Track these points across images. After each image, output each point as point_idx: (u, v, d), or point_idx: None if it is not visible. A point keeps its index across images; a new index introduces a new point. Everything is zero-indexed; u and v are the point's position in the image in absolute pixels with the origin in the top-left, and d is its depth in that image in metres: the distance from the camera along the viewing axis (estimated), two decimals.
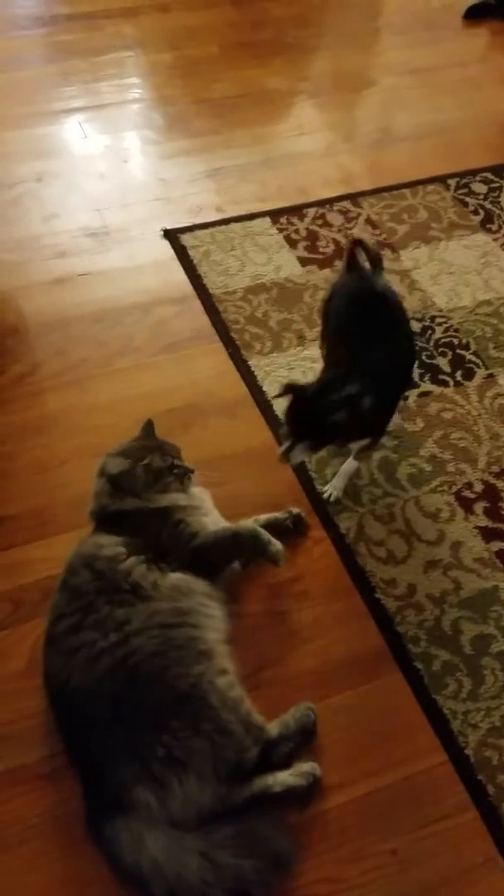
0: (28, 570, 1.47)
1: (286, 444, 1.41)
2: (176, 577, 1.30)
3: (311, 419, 1.38)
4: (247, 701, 1.20)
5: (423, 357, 1.88)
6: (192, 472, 1.47)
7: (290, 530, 1.54)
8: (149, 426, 1.51)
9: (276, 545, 1.40)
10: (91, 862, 1.12)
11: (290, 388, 1.40)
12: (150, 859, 1.07)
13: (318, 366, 1.82)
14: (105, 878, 1.11)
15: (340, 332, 1.54)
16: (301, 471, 1.66)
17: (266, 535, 1.40)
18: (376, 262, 1.58)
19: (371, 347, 1.45)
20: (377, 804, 1.25)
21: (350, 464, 1.60)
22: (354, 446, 1.55)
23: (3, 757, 1.25)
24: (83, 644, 1.19)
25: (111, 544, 1.31)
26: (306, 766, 1.22)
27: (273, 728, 1.23)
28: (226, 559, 1.41)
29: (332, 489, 1.61)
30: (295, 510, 1.56)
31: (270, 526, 1.48)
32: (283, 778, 1.19)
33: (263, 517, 1.51)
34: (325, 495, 1.61)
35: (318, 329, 1.91)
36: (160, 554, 1.32)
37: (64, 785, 1.20)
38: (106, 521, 1.38)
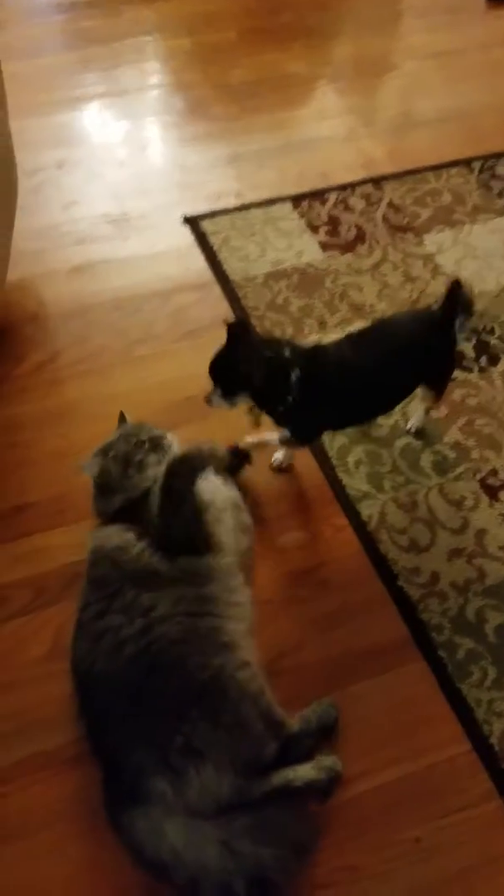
0: (49, 556, 1.48)
1: (211, 388, 1.40)
2: (184, 559, 1.27)
3: (229, 362, 1.36)
4: (268, 694, 1.19)
5: None
6: (164, 437, 1.44)
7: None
8: (120, 419, 1.51)
9: (201, 447, 1.31)
10: (113, 848, 1.12)
11: (231, 325, 1.35)
12: (170, 848, 1.07)
13: None
14: (127, 864, 1.11)
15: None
16: (322, 458, 1.64)
17: (190, 449, 1.30)
18: (467, 307, 1.52)
19: (356, 350, 1.42)
20: (400, 792, 1.24)
21: (272, 435, 1.54)
22: (280, 434, 1.51)
23: (25, 742, 1.26)
24: (108, 628, 1.18)
25: (115, 533, 1.29)
26: (328, 761, 1.20)
27: (294, 724, 1.21)
28: (182, 489, 1.28)
29: (279, 456, 1.61)
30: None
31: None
32: (304, 771, 1.17)
33: None
34: (275, 463, 1.61)
35: (339, 315, 1.90)
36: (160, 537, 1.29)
37: (86, 771, 1.20)
38: (109, 518, 1.37)
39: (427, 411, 1.66)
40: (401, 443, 1.66)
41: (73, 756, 1.24)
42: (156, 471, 1.36)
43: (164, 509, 1.28)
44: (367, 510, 1.56)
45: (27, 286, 1.97)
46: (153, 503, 1.30)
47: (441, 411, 1.72)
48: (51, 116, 2.48)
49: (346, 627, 1.42)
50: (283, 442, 1.54)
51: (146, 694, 1.14)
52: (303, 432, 1.52)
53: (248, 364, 1.34)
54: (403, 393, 1.55)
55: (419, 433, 1.68)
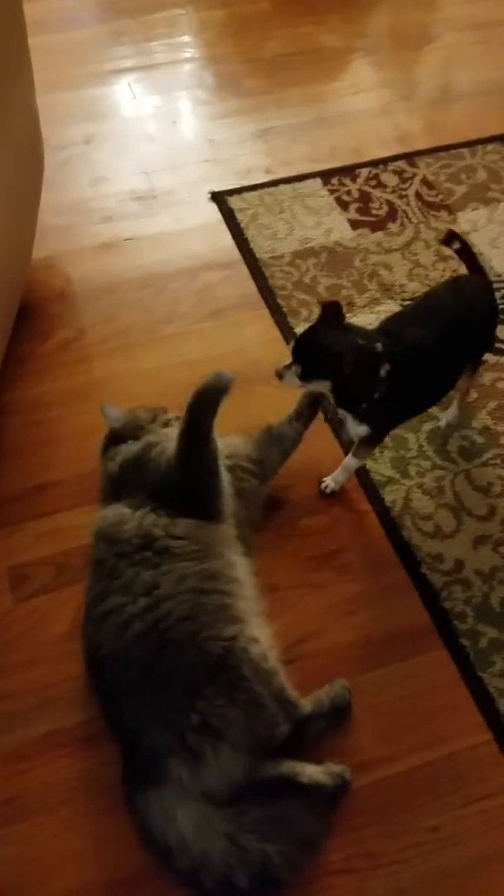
0: (72, 535, 1.48)
1: (286, 362, 1.34)
2: (189, 523, 1.25)
3: (318, 346, 1.29)
4: (281, 674, 1.17)
5: None
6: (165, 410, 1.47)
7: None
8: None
9: (220, 374, 1.26)
10: (129, 826, 1.13)
11: (327, 305, 1.29)
12: (178, 834, 1.07)
13: None
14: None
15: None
16: (347, 443, 1.62)
17: (209, 378, 1.26)
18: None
19: (421, 331, 1.36)
20: (419, 781, 1.22)
21: (351, 460, 1.50)
22: (353, 432, 1.43)
23: (44, 719, 1.27)
24: (112, 609, 1.18)
25: (112, 510, 1.29)
26: (337, 768, 1.18)
27: (306, 705, 1.20)
28: (203, 432, 1.27)
29: (331, 482, 1.53)
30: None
31: None
32: (312, 772, 1.16)
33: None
34: (323, 486, 1.54)
35: (368, 295, 1.86)
36: (166, 500, 1.27)
37: (104, 749, 1.21)
38: (114, 487, 1.36)
39: (462, 402, 1.61)
40: (427, 427, 1.63)
41: (92, 734, 1.24)
42: (164, 433, 1.38)
43: (183, 455, 1.26)
44: (392, 495, 1.54)
45: (54, 263, 1.97)
46: (151, 465, 1.29)
47: (470, 394, 1.68)
48: (80, 90, 2.46)
49: (368, 613, 1.40)
50: (360, 450, 1.47)
51: (157, 672, 1.13)
52: (383, 429, 1.45)
53: (339, 350, 1.27)
54: (462, 367, 1.50)
55: (449, 427, 1.63)
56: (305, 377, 1.34)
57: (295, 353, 1.33)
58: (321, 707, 1.22)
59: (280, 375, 1.36)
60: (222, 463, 1.32)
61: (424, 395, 1.47)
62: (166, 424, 1.45)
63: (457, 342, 1.41)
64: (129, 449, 1.37)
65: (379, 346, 1.31)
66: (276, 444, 1.48)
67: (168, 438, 1.34)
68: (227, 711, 1.11)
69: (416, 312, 1.43)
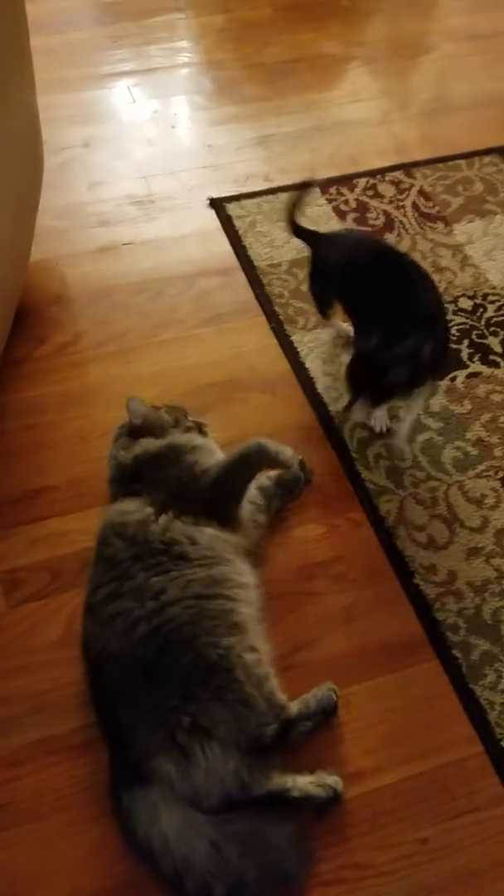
0: (66, 540, 1.48)
1: (348, 401, 1.43)
2: (210, 533, 1.30)
3: (372, 373, 1.39)
4: (272, 681, 1.19)
5: (474, 336, 1.82)
6: (205, 424, 1.52)
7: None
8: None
9: (286, 450, 1.40)
10: (120, 834, 1.13)
11: (355, 346, 1.42)
12: (162, 836, 1.08)
13: None
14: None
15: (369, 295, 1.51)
16: (342, 450, 1.63)
17: (272, 444, 1.38)
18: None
19: (412, 295, 1.45)
20: (409, 792, 1.23)
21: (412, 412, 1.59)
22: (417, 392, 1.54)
23: (36, 726, 1.26)
24: (121, 612, 1.19)
25: (137, 508, 1.30)
26: (329, 779, 1.18)
27: (293, 707, 1.21)
28: (242, 482, 1.38)
29: (380, 422, 1.62)
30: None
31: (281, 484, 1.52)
32: (303, 784, 1.16)
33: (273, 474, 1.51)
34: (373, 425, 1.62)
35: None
36: (183, 505, 1.31)
37: (97, 756, 1.20)
38: (126, 478, 1.38)
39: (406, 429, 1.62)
40: (422, 438, 1.64)
41: (84, 742, 1.24)
42: (188, 437, 1.44)
43: (219, 491, 1.34)
44: (386, 505, 1.55)
45: (51, 266, 1.96)
46: (192, 469, 1.36)
47: (464, 406, 1.69)
48: (78, 93, 2.46)
49: (361, 624, 1.40)
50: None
51: (156, 674, 1.14)
52: (443, 363, 1.55)
53: (396, 366, 1.39)
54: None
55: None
56: (377, 402, 1.50)
57: (356, 389, 1.47)
58: (308, 708, 1.23)
59: (348, 416, 1.55)
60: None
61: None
62: (188, 430, 1.47)
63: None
64: (151, 443, 1.39)
65: (413, 341, 1.39)
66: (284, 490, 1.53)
67: (200, 448, 1.40)
68: (217, 711, 1.12)
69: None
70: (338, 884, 1.15)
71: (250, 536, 1.41)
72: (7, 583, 1.42)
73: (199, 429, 1.51)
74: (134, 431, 1.46)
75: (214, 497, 1.34)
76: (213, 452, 1.43)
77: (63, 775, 1.22)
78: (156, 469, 1.36)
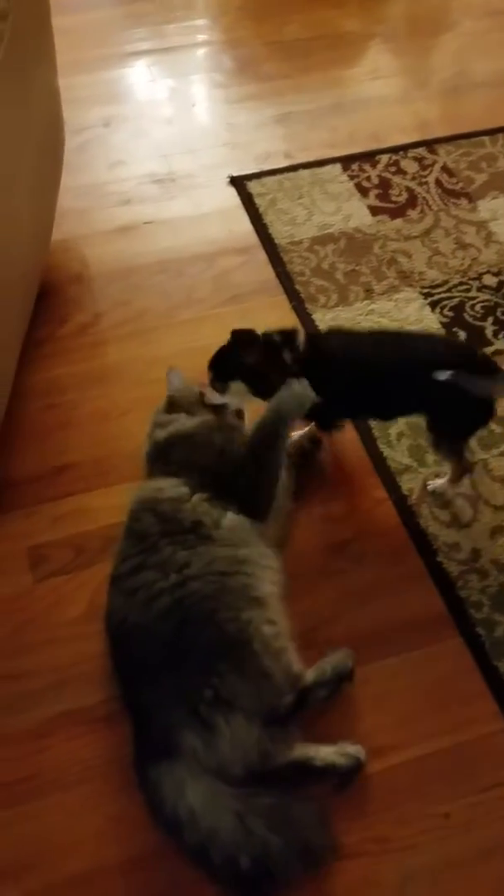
0: (89, 517, 1.49)
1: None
2: (233, 518, 1.29)
3: (226, 352, 1.38)
4: (290, 654, 1.19)
5: (499, 313, 1.80)
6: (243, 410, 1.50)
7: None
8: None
9: (302, 400, 1.34)
10: (145, 805, 1.14)
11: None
12: (188, 808, 1.09)
13: (385, 321, 1.77)
14: None
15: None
16: (364, 430, 1.62)
17: (286, 402, 1.34)
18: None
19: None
20: (432, 767, 1.23)
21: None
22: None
23: (62, 698, 1.28)
24: (144, 584, 1.20)
25: (172, 486, 1.31)
26: (352, 749, 1.19)
27: (309, 675, 1.21)
28: (271, 454, 1.34)
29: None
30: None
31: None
32: (326, 753, 1.17)
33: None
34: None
35: (387, 282, 1.85)
36: (218, 488, 1.31)
37: (121, 729, 1.21)
38: (160, 457, 1.38)
39: (452, 479, 1.50)
40: None
41: (108, 714, 1.25)
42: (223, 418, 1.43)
43: (252, 465, 1.32)
44: (408, 484, 1.54)
45: (71, 246, 1.96)
46: (206, 452, 1.34)
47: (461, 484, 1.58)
48: (98, 73, 2.45)
49: (383, 601, 1.40)
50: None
51: (176, 648, 1.15)
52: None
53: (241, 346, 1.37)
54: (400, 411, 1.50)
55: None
56: (219, 380, 1.41)
57: (215, 372, 1.42)
58: (324, 675, 1.23)
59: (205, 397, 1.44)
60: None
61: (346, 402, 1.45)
62: (218, 410, 1.46)
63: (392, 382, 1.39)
64: (183, 423, 1.40)
65: (276, 337, 1.38)
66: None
67: (229, 428, 1.40)
68: (238, 684, 1.13)
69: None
70: (360, 857, 1.15)
71: (278, 522, 1.40)
72: (32, 558, 1.44)
73: (238, 412, 1.49)
74: (172, 405, 1.47)
75: (249, 478, 1.33)
76: (243, 435, 1.42)
77: (88, 747, 1.24)
78: (187, 450, 1.36)
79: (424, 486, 1.53)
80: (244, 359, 1.36)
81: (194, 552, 1.22)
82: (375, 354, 1.40)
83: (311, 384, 1.34)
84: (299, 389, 1.33)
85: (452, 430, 1.44)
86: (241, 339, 1.36)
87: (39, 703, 1.28)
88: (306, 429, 1.55)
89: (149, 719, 1.15)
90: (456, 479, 1.50)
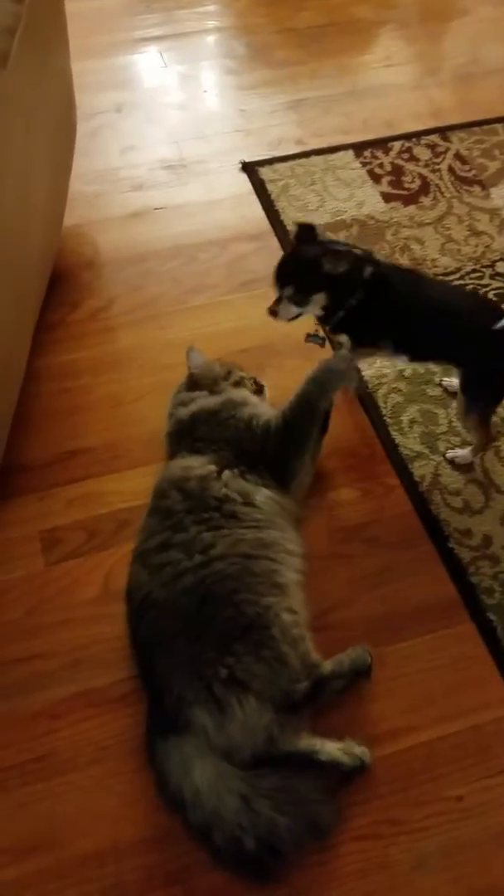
0: (102, 501, 1.49)
1: (276, 298, 1.38)
2: (267, 494, 1.30)
3: (303, 260, 1.33)
4: (308, 642, 1.20)
5: None
6: (264, 386, 1.52)
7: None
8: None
9: (341, 369, 1.36)
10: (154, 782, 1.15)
11: (302, 226, 1.35)
12: (193, 787, 1.09)
13: None
14: None
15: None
16: (375, 416, 1.62)
17: (328, 369, 1.36)
18: None
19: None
20: (444, 751, 1.23)
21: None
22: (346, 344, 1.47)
23: (75, 679, 1.29)
24: (169, 561, 1.21)
25: (200, 464, 1.31)
26: (357, 749, 1.19)
27: (327, 666, 1.22)
28: (309, 425, 1.36)
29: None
30: None
31: None
32: (331, 750, 1.17)
33: None
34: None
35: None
36: (248, 463, 1.32)
37: (135, 709, 1.23)
38: (185, 435, 1.38)
39: (476, 450, 1.52)
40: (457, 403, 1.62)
41: (123, 695, 1.26)
42: (245, 394, 1.44)
43: (294, 423, 1.33)
44: (420, 470, 1.54)
45: (83, 232, 1.96)
46: (252, 424, 1.35)
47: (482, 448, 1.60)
48: (110, 58, 2.44)
49: (394, 586, 1.40)
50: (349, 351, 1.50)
51: (195, 625, 1.16)
52: (362, 340, 1.47)
53: (324, 252, 1.33)
54: (441, 355, 1.48)
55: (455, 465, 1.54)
56: (300, 295, 1.36)
57: (281, 277, 1.37)
58: (341, 668, 1.23)
59: (274, 312, 1.39)
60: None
61: (396, 330, 1.44)
62: (238, 383, 1.48)
63: (441, 326, 1.39)
64: (207, 401, 1.40)
65: (358, 250, 1.37)
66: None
67: (253, 403, 1.41)
68: (254, 666, 1.13)
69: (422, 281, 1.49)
70: (373, 839, 1.16)
71: (298, 497, 1.41)
72: (46, 541, 1.44)
73: (258, 388, 1.51)
74: (192, 383, 1.47)
75: (280, 448, 1.33)
76: (268, 409, 1.42)
77: (102, 727, 1.24)
78: (213, 426, 1.37)
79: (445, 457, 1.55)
80: (334, 269, 1.32)
81: (219, 533, 1.23)
82: (435, 292, 1.44)
83: (370, 307, 1.36)
84: (343, 363, 1.33)
85: (488, 390, 1.43)
86: (329, 248, 1.34)
87: (53, 683, 1.28)
88: None
89: (161, 693, 1.16)
90: (480, 448, 1.51)
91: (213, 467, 1.31)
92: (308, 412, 1.36)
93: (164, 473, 1.34)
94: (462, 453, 1.53)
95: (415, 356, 1.49)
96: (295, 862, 1.11)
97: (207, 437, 1.36)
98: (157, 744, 1.14)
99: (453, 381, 1.60)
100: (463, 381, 1.44)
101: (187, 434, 1.39)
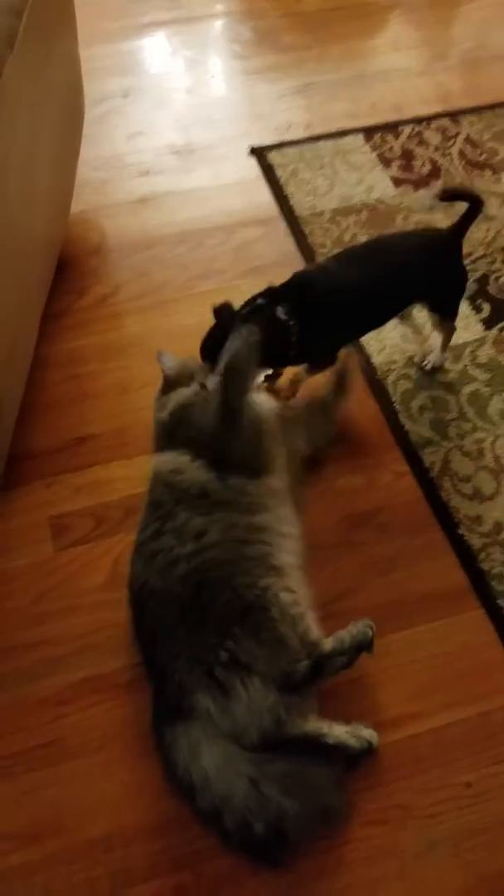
0: (110, 488, 1.49)
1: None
2: (241, 480, 1.28)
3: (221, 342, 1.32)
4: (307, 620, 1.18)
5: None
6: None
7: None
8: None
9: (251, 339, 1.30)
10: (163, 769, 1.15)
11: (217, 309, 1.39)
12: (202, 772, 1.09)
13: None
14: None
15: None
16: (385, 402, 1.60)
17: (239, 351, 1.28)
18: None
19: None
20: (453, 737, 1.23)
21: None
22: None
23: (83, 665, 1.29)
24: (162, 549, 1.20)
25: (174, 457, 1.30)
26: (365, 732, 1.18)
27: (328, 643, 1.20)
28: (242, 406, 1.29)
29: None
30: None
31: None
32: (339, 733, 1.16)
33: None
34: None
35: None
36: (213, 450, 1.29)
37: (142, 695, 1.22)
38: (166, 436, 1.37)
39: (444, 346, 1.62)
40: (469, 389, 1.61)
41: (130, 681, 1.26)
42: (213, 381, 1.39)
43: (223, 422, 1.27)
44: (431, 457, 1.53)
45: (90, 218, 1.95)
46: (198, 419, 1.31)
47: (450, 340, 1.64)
48: (117, 44, 2.42)
49: (404, 573, 1.40)
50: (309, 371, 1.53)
51: (193, 611, 1.15)
52: (322, 358, 1.51)
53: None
54: (396, 307, 1.55)
55: (435, 370, 1.64)
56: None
57: (206, 357, 1.41)
58: (342, 645, 1.20)
59: (203, 387, 1.39)
60: (270, 414, 1.35)
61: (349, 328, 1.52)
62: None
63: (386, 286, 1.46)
64: (181, 394, 1.38)
65: (261, 301, 1.39)
66: (325, 415, 1.51)
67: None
68: (254, 648, 1.13)
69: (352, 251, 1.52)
70: (381, 824, 1.16)
71: (293, 466, 1.38)
72: (54, 528, 1.44)
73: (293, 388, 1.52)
74: (168, 385, 1.44)
75: (229, 436, 1.28)
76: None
77: (109, 713, 1.24)
78: (186, 421, 1.34)
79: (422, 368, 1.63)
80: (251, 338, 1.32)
81: (210, 518, 1.22)
82: (362, 276, 1.43)
83: (311, 325, 1.37)
84: (243, 336, 1.27)
85: (457, 299, 1.58)
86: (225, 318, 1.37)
87: (61, 669, 1.28)
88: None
89: (164, 680, 1.16)
90: (446, 344, 1.62)
91: (184, 458, 1.28)
92: (233, 394, 1.28)
93: (152, 468, 1.32)
94: (434, 357, 1.62)
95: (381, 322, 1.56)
96: (303, 848, 1.11)
97: (183, 433, 1.33)
98: (164, 730, 1.14)
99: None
100: (431, 307, 1.55)
101: (167, 434, 1.36)
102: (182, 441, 1.32)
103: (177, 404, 1.36)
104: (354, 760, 1.18)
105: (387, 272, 1.44)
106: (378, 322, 1.54)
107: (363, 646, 1.23)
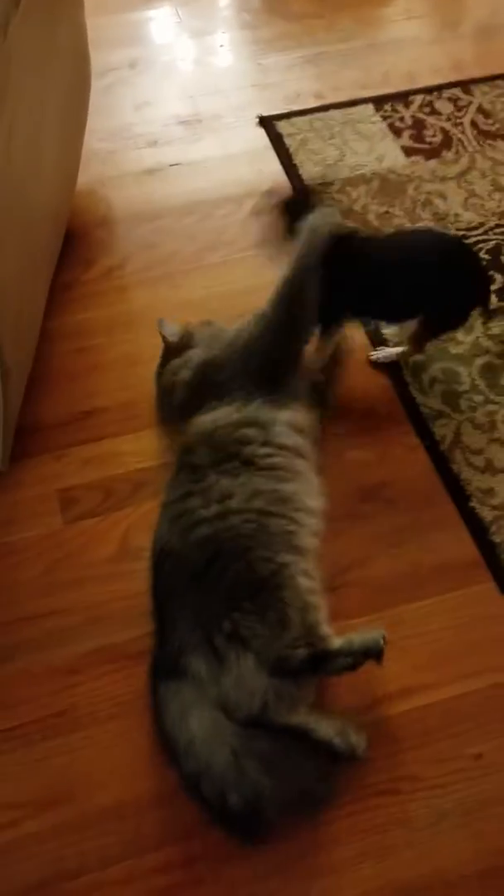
0: (118, 461, 1.48)
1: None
2: (285, 421, 1.30)
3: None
4: (320, 613, 1.16)
5: None
6: None
7: None
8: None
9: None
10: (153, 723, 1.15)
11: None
12: (188, 737, 1.09)
13: None
14: None
15: None
16: (396, 375, 1.59)
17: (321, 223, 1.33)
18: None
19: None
20: (463, 708, 1.22)
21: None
22: None
23: (94, 635, 1.29)
24: (187, 510, 1.20)
25: (225, 413, 1.30)
26: (353, 737, 1.15)
27: (336, 641, 1.16)
28: (309, 300, 1.33)
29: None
30: None
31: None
32: (326, 730, 1.13)
33: None
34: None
35: (422, 224, 1.81)
36: (265, 388, 1.31)
37: None
38: (197, 394, 1.36)
39: (404, 354, 1.58)
40: (481, 361, 1.59)
41: (141, 651, 1.25)
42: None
43: (286, 298, 1.31)
44: (442, 430, 1.51)
45: (97, 189, 1.93)
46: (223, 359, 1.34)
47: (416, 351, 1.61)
48: (125, 14, 2.39)
49: (414, 545, 1.39)
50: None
51: (206, 577, 1.15)
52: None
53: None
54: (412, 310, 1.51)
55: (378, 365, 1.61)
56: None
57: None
58: (350, 646, 1.16)
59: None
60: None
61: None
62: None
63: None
64: (198, 354, 1.37)
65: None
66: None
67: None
68: (257, 626, 1.11)
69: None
70: (391, 794, 1.15)
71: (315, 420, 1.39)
72: (63, 500, 1.44)
73: None
74: (170, 352, 1.43)
75: (276, 340, 1.31)
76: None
77: (120, 683, 1.24)
78: (217, 372, 1.34)
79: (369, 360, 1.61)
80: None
81: (237, 481, 1.21)
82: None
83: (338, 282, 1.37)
84: (325, 212, 1.32)
85: (449, 324, 1.54)
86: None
87: (72, 640, 1.28)
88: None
89: (166, 637, 1.16)
90: (410, 355, 1.59)
91: (231, 408, 1.29)
92: (302, 278, 1.32)
93: (194, 430, 1.30)
94: (387, 352, 1.59)
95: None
96: (282, 827, 1.09)
97: (218, 383, 1.33)
98: (158, 685, 1.14)
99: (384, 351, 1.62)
100: (425, 322, 1.50)
101: (199, 391, 1.35)
102: (212, 393, 1.32)
103: (202, 360, 1.36)
104: (335, 759, 1.14)
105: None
106: (391, 312, 1.53)
107: (372, 652, 1.17)
